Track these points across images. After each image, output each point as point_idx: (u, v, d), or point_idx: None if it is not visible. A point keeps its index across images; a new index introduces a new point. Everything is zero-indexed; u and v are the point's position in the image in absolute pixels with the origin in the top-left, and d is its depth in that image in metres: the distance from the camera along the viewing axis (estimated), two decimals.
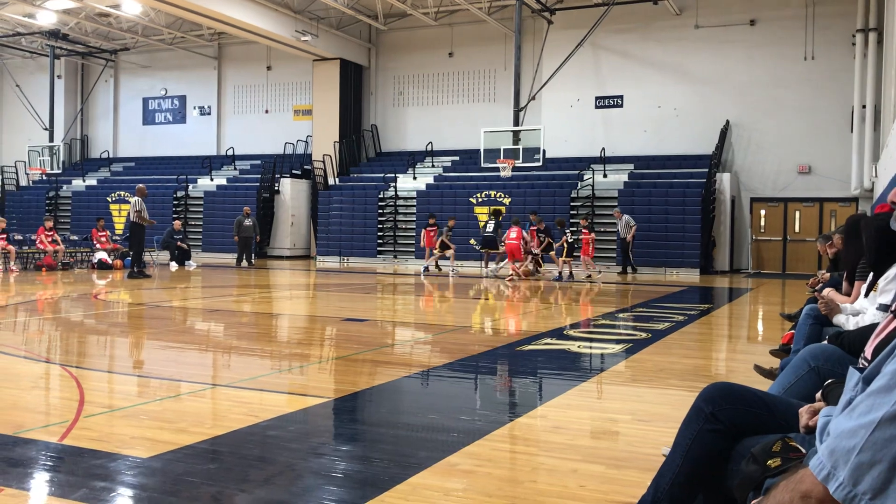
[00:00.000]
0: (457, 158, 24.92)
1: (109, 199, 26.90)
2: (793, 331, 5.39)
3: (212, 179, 26.43)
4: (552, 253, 17.82)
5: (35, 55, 30.45)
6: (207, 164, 26.80)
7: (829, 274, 9.04)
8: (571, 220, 20.03)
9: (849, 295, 5.00)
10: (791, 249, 21.43)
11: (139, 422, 4.36)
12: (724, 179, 20.89)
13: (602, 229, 20.70)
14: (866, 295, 4.35)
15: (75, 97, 31.62)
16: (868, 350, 2.21)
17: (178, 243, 20.27)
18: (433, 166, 24.97)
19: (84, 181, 28.59)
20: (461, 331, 8.98)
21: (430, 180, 23.86)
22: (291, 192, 25.17)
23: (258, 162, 26.82)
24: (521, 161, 19.81)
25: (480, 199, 22.15)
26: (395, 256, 23.37)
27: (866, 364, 2.05)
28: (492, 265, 18.76)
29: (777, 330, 8.96)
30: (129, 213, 15.97)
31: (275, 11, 22.89)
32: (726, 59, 21.75)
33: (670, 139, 22.38)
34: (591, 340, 8.06)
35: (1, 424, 4.23)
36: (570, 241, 17.22)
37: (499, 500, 3.15)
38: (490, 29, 24.19)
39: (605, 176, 21.69)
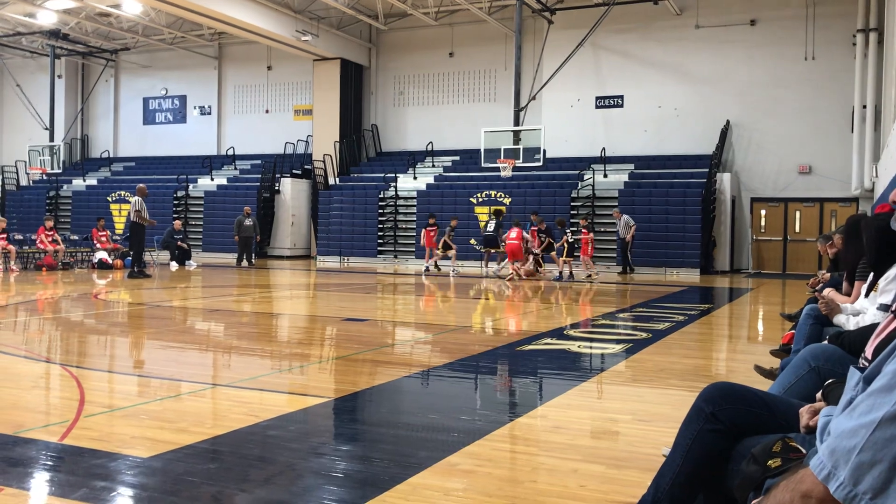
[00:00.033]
0: (457, 158, 24.93)
1: (110, 199, 26.90)
2: (793, 331, 5.39)
3: (212, 179, 26.44)
4: (553, 253, 17.83)
5: (35, 55, 30.46)
6: (208, 164, 26.81)
7: (829, 274, 9.04)
8: (571, 220, 20.02)
9: (849, 295, 5.00)
10: (791, 249, 21.43)
11: (139, 421, 4.36)
12: (724, 179, 20.89)
13: (602, 229, 20.70)
14: (867, 295, 4.35)
15: (76, 97, 31.63)
16: (869, 350, 2.21)
17: (179, 243, 20.27)
18: (433, 166, 24.97)
19: (84, 181, 28.59)
20: (461, 331, 8.98)
21: (431, 180, 23.86)
22: (292, 192, 25.17)
23: (258, 162, 26.82)
24: (521, 161, 19.81)
25: (481, 199, 22.15)
26: (396, 256, 23.37)
27: (867, 364, 2.05)
28: (493, 266, 18.77)
29: (777, 330, 8.96)
30: (129, 213, 15.97)
31: (275, 11, 22.89)
32: (727, 59, 21.75)
33: (671, 139, 22.38)
34: (592, 340, 8.06)
35: (1, 424, 4.23)
36: (570, 240, 17.24)
37: (499, 499, 3.15)
38: (490, 29, 24.19)
39: (605, 176, 21.69)
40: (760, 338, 9.04)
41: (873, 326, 3.02)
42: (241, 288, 14.92)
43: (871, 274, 4.30)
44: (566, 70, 21.77)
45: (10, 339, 7.77)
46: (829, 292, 4.98)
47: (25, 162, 28.44)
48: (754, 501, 1.54)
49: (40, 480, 3.37)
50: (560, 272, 17.40)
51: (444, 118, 25.56)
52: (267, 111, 28.40)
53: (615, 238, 20.16)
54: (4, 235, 17.65)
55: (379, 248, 23.58)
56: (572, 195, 21.45)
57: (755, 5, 21.51)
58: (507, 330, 9.35)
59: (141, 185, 16.64)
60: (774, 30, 21.34)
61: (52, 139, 28.33)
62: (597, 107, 23.27)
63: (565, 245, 17.27)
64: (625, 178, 21.68)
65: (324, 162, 25.45)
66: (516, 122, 20.88)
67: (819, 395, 2.25)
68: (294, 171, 26.09)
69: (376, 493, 3.18)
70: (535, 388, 5.78)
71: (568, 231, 17.50)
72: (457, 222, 19.89)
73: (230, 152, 28.19)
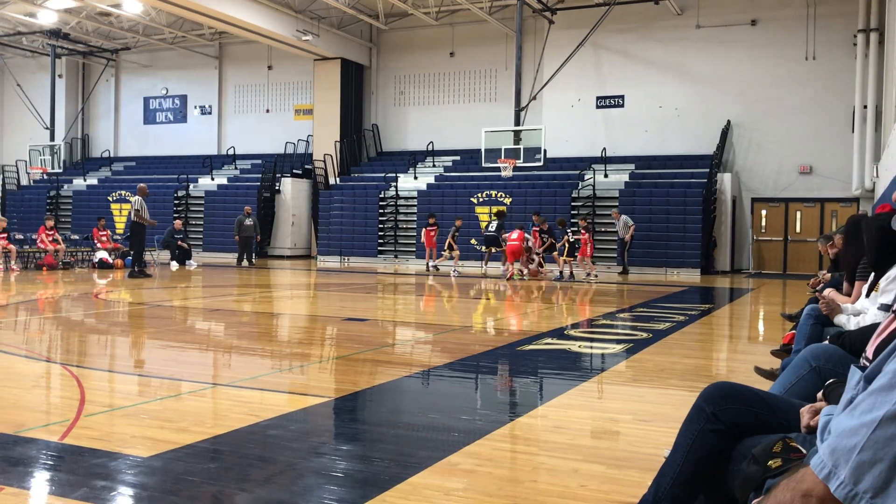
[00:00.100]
0: (458, 158, 24.93)
1: (110, 199, 26.92)
2: (794, 331, 5.39)
3: (212, 179, 26.44)
4: (554, 253, 17.85)
5: (36, 54, 30.48)
6: (208, 164, 26.81)
7: (829, 274, 9.04)
8: (572, 220, 20.02)
9: (849, 295, 5.00)
10: (792, 250, 21.43)
11: (140, 421, 4.36)
12: (725, 179, 20.88)
13: (603, 229, 20.70)
14: (867, 295, 4.35)
15: (76, 96, 31.64)
16: (869, 350, 2.21)
17: (179, 243, 20.27)
18: (434, 166, 24.97)
19: (85, 180, 28.60)
20: (462, 330, 8.98)
21: (431, 180, 23.86)
22: (292, 192, 25.17)
23: (259, 161, 26.83)
24: (522, 161, 19.81)
25: (481, 199, 22.15)
26: (396, 256, 23.37)
27: (868, 364, 2.05)
28: (502, 267, 18.77)
29: (778, 330, 8.96)
30: (129, 213, 15.98)
31: (276, 11, 22.89)
32: (727, 59, 21.75)
33: (671, 139, 22.37)
34: (592, 340, 8.06)
35: (2, 423, 4.23)
36: (571, 240, 17.27)
37: (499, 499, 3.15)
38: (491, 29, 24.19)
39: (605, 176, 21.69)
40: (761, 338, 9.03)
41: (874, 326, 3.02)
42: (242, 288, 14.92)
43: (872, 274, 4.30)
44: (567, 70, 21.77)
45: (10, 338, 7.77)
46: (829, 292, 4.98)
47: (26, 161, 28.44)
48: (755, 501, 1.54)
49: (41, 480, 3.37)
50: (560, 272, 17.43)
51: (444, 118, 25.56)
52: (267, 111, 28.40)
53: (615, 238, 20.16)
54: (5, 235, 17.65)
55: (379, 248, 23.58)
56: (573, 195, 21.45)
57: (756, 5, 21.50)
58: (507, 330, 9.35)
59: (142, 184, 16.64)
60: (775, 30, 21.34)
61: (52, 139, 28.34)
62: (597, 107, 23.27)
63: (566, 245, 17.30)
64: (625, 178, 21.68)
65: (324, 162, 25.45)
66: (517, 122, 20.88)
67: (820, 394, 2.25)
68: (294, 171, 26.09)
69: (377, 492, 3.18)
70: (535, 387, 5.78)
71: (569, 231, 17.52)
72: (461, 222, 19.90)
73: (231, 152, 28.20)
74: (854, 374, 1.48)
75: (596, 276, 17.67)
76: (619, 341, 7.88)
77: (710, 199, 20.27)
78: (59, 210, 27.83)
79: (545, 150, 20.32)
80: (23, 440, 3.91)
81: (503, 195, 21.89)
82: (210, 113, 29.35)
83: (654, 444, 3.98)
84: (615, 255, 20.27)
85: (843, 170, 20.23)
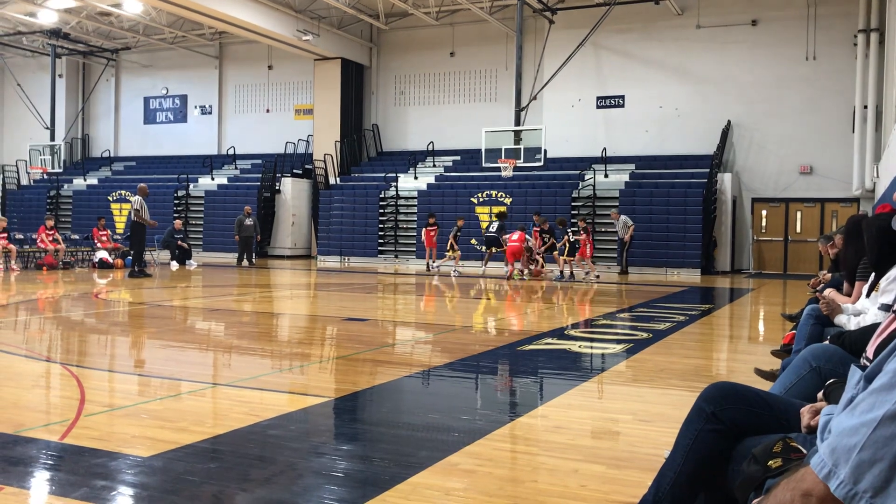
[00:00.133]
0: (458, 158, 24.93)
1: (110, 199, 26.92)
2: (794, 331, 5.39)
3: (213, 179, 26.44)
4: (555, 252, 17.86)
5: (36, 54, 30.48)
6: (208, 164, 26.81)
7: (830, 274, 9.04)
8: (572, 220, 20.02)
9: (850, 295, 5.00)
10: (792, 250, 21.42)
11: (140, 421, 4.36)
12: (725, 180, 20.88)
13: (603, 229, 20.70)
14: (868, 295, 4.35)
15: (76, 96, 31.64)
16: (870, 350, 2.21)
17: (179, 243, 20.27)
18: (434, 166, 24.97)
19: (85, 180, 28.61)
20: (462, 330, 8.98)
21: (432, 180, 23.86)
22: (292, 192, 25.17)
23: (259, 161, 26.83)
24: (522, 161, 19.81)
25: (482, 199, 22.15)
26: (397, 256, 23.37)
27: (868, 364, 2.05)
28: (505, 269, 18.73)
29: (778, 330, 8.95)
30: (129, 213, 15.99)
31: (276, 11, 22.89)
32: (728, 59, 21.75)
33: (672, 139, 22.37)
34: (592, 340, 8.06)
35: (2, 423, 4.23)
36: (572, 240, 17.29)
37: (500, 499, 3.15)
38: (491, 28, 24.19)
39: (606, 176, 21.69)
40: (761, 338, 9.03)
41: (874, 326, 3.02)
42: (242, 287, 14.92)
43: (873, 274, 4.30)
44: (567, 70, 21.76)
45: (10, 338, 7.78)
46: (829, 292, 4.98)
47: (26, 161, 28.45)
48: (755, 501, 1.54)
49: (41, 479, 3.37)
50: (561, 272, 17.44)
51: (444, 118, 25.55)
52: (268, 111, 28.40)
53: (616, 238, 20.15)
54: (5, 235, 17.65)
55: (380, 248, 23.58)
56: (573, 195, 21.45)
57: (756, 5, 21.50)
58: (507, 330, 9.35)
59: (142, 184, 16.64)
60: (775, 30, 21.33)
61: (52, 138, 28.34)
62: (598, 107, 23.27)
63: (567, 244, 17.32)
64: (626, 178, 21.68)
65: (324, 161, 25.46)
66: (517, 122, 20.88)
67: (820, 395, 2.25)
68: (295, 171, 26.09)
69: (377, 492, 3.18)
70: (535, 387, 5.78)
71: (569, 231, 17.54)
72: (463, 222, 19.89)
73: (231, 152, 28.20)
74: (854, 374, 1.47)
75: (597, 276, 17.68)
76: (619, 341, 7.88)
77: (711, 200, 20.27)
78: (60, 210, 27.83)
79: (545, 151, 20.32)
80: (23, 440, 3.91)
81: (503, 195, 21.89)
82: (210, 113, 29.35)
83: (654, 444, 3.98)
84: (615, 256, 20.26)
85: (844, 170, 20.22)
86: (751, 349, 8.09)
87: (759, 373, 5.23)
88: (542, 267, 18.16)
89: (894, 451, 1.17)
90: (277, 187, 25.19)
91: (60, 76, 30.19)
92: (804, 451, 1.72)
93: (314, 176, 25.58)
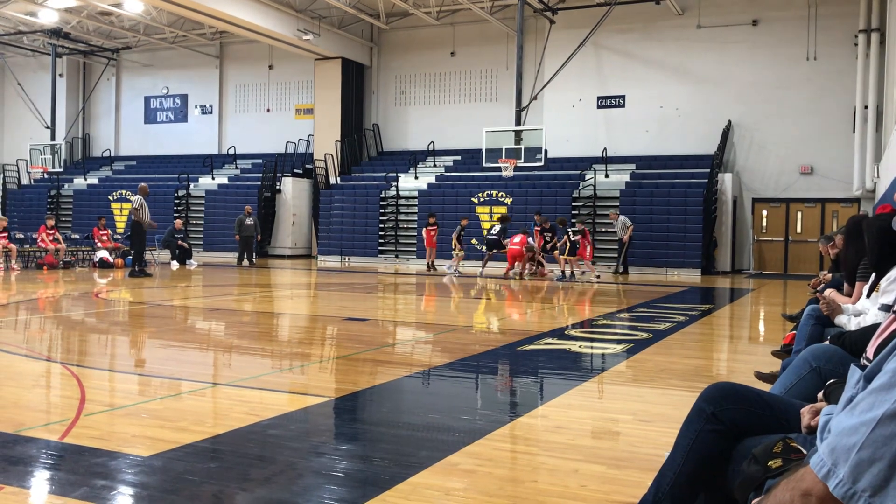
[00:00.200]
0: (458, 158, 24.93)
1: (111, 198, 26.92)
2: (794, 331, 5.38)
3: (213, 178, 26.44)
4: (555, 252, 17.87)
5: (37, 54, 30.48)
6: (209, 163, 26.81)
7: (830, 275, 9.04)
8: (572, 220, 20.02)
9: (850, 296, 5.00)
10: (793, 250, 21.42)
11: (140, 420, 4.36)
12: (725, 180, 20.88)
13: (604, 230, 20.70)
14: (868, 295, 4.35)
15: (77, 96, 31.64)
16: (870, 350, 2.21)
17: (180, 242, 20.27)
18: (435, 166, 24.97)
19: (85, 180, 28.61)
20: (462, 330, 8.98)
21: (432, 180, 23.86)
22: (293, 192, 25.17)
23: (259, 161, 26.83)
24: (522, 161, 19.81)
25: (482, 199, 22.15)
26: (397, 256, 23.37)
27: (868, 364, 2.05)
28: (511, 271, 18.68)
29: (778, 331, 8.95)
30: (130, 212, 16.00)
31: (277, 10, 22.89)
32: (728, 59, 21.75)
33: (672, 139, 22.37)
34: (592, 340, 8.06)
35: (2, 422, 4.23)
36: (572, 239, 17.31)
37: (500, 499, 3.15)
38: (492, 28, 24.19)
39: (606, 176, 21.68)
40: (761, 338, 9.03)
41: (875, 327, 3.01)
42: (242, 287, 14.92)
43: (873, 274, 4.30)
44: (568, 70, 21.75)
45: (11, 337, 7.78)
46: (830, 293, 4.98)
47: (27, 161, 28.46)
48: (755, 501, 1.54)
49: (41, 479, 3.37)
50: (562, 271, 17.46)
51: (445, 118, 25.56)
52: (268, 110, 28.41)
53: (616, 238, 20.14)
54: (6, 234, 17.66)
55: (380, 248, 23.58)
56: (573, 195, 21.45)
57: (757, 5, 21.50)
58: (507, 330, 9.35)
59: (143, 184, 16.65)
60: (776, 30, 21.33)
61: (53, 138, 28.35)
62: (598, 107, 23.26)
63: (567, 244, 17.33)
64: (626, 178, 21.68)
65: (325, 161, 25.46)
66: (518, 122, 20.88)
67: (820, 395, 2.24)
68: (295, 171, 26.09)
69: (377, 492, 3.18)
70: (535, 387, 5.78)
71: (570, 230, 17.54)
72: (467, 222, 19.89)
73: (231, 151, 28.20)
74: (854, 374, 1.48)
75: (598, 276, 17.69)
76: (619, 341, 7.88)
77: (711, 200, 20.27)
78: (60, 209, 27.83)
79: (546, 150, 20.31)
80: (23, 439, 3.91)
81: (504, 195, 21.89)
82: (211, 112, 29.35)
83: (654, 444, 3.98)
84: (615, 256, 20.25)
85: (844, 170, 20.21)
86: (751, 349, 8.09)
87: (760, 376, 5.22)
88: (543, 266, 18.17)
89: (893, 451, 1.17)
90: (278, 187, 25.19)
91: (61, 76, 30.20)
92: (804, 452, 1.72)
93: (314, 175, 25.59)
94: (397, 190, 23.57)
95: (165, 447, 3.77)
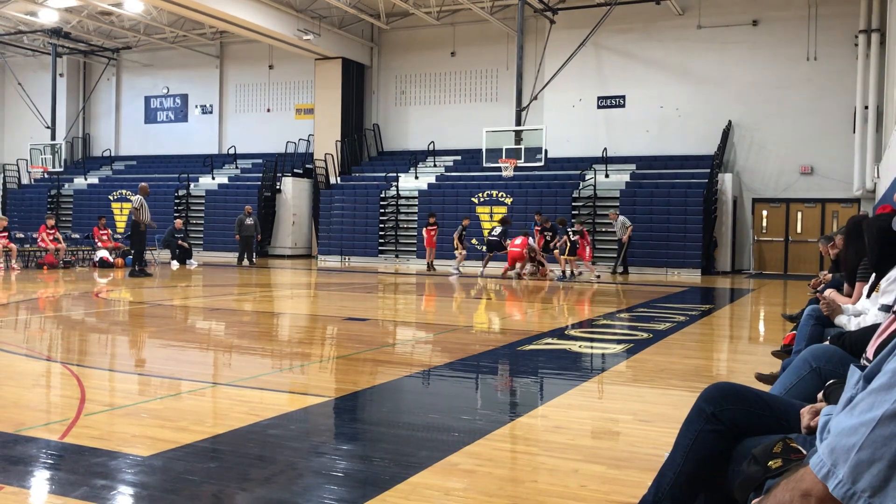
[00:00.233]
0: (459, 158, 24.93)
1: (111, 198, 26.92)
2: (794, 332, 5.38)
3: (213, 178, 26.44)
4: (555, 251, 17.88)
5: (37, 53, 30.48)
6: (209, 163, 26.81)
7: (830, 275, 9.04)
8: (572, 220, 20.02)
9: (850, 296, 5.00)
10: (793, 250, 21.42)
11: (140, 420, 4.36)
12: (725, 180, 20.87)
13: (604, 230, 20.70)
14: (868, 296, 4.35)
15: (77, 95, 31.64)
16: (870, 350, 2.21)
17: (180, 242, 20.27)
18: (435, 166, 24.97)
19: (86, 179, 28.60)
20: (462, 330, 8.98)
21: (432, 180, 23.86)
22: (293, 191, 25.17)
23: (260, 161, 26.83)
24: (523, 161, 19.81)
25: (482, 199, 22.15)
26: (397, 256, 23.37)
27: (868, 364, 2.05)
28: (512, 271, 18.67)
29: (778, 331, 8.95)
30: (130, 212, 16.00)
31: (277, 10, 22.90)
32: (729, 59, 21.74)
33: (672, 139, 22.37)
34: (592, 340, 8.06)
35: (2, 422, 4.23)
36: (572, 239, 17.32)
37: (500, 499, 3.15)
38: (492, 28, 24.19)
39: (606, 176, 21.68)
40: (761, 339, 9.03)
41: (875, 327, 3.01)
42: (242, 287, 14.92)
43: (873, 275, 4.30)
44: (568, 70, 21.75)
45: (11, 337, 7.78)
46: (830, 293, 4.98)
47: (27, 160, 28.46)
48: (755, 501, 1.54)
49: (41, 479, 3.37)
50: (563, 271, 17.47)
51: (445, 118, 25.56)
52: (268, 110, 28.41)
53: (616, 239, 20.14)
54: (6, 234, 17.66)
55: (380, 248, 23.58)
56: (574, 195, 21.45)
57: (757, 6, 21.49)
58: (507, 329, 9.35)
59: (143, 183, 16.65)
60: (776, 30, 21.33)
61: (53, 138, 28.35)
62: (598, 107, 23.26)
63: (567, 243, 17.34)
64: (626, 178, 21.67)
65: (325, 161, 25.46)
66: (518, 122, 20.88)
67: (820, 395, 2.24)
68: (295, 171, 26.09)
69: (377, 492, 3.18)
70: (535, 387, 5.78)
71: (570, 230, 17.55)
72: (468, 221, 19.89)
73: (231, 151, 28.20)
74: (853, 374, 1.48)
75: (598, 276, 17.68)
76: (619, 341, 7.88)
77: (711, 200, 20.26)
78: (60, 209, 27.83)
79: (546, 151, 20.31)
80: (23, 439, 3.91)
81: (504, 195, 21.89)
82: (211, 112, 29.35)
83: (654, 444, 3.98)
84: (615, 256, 20.24)
85: (844, 170, 20.21)
86: (751, 350, 8.09)
87: (760, 377, 5.22)
88: (543, 266, 18.17)
89: (893, 451, 1.17)
90: (278, 187, 25.19)
91: (61, 75, 30.20)
92: (804, 452, 1.72)
93: (315, 175, 25.59)
94: (397, 190, 23.57)
95: (165, 447, 3.77)
